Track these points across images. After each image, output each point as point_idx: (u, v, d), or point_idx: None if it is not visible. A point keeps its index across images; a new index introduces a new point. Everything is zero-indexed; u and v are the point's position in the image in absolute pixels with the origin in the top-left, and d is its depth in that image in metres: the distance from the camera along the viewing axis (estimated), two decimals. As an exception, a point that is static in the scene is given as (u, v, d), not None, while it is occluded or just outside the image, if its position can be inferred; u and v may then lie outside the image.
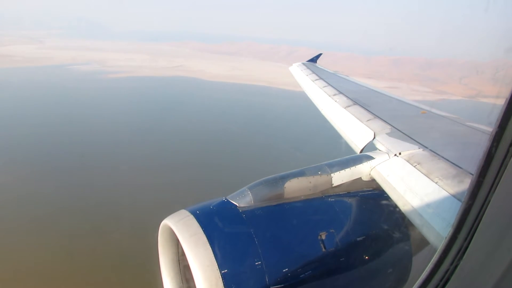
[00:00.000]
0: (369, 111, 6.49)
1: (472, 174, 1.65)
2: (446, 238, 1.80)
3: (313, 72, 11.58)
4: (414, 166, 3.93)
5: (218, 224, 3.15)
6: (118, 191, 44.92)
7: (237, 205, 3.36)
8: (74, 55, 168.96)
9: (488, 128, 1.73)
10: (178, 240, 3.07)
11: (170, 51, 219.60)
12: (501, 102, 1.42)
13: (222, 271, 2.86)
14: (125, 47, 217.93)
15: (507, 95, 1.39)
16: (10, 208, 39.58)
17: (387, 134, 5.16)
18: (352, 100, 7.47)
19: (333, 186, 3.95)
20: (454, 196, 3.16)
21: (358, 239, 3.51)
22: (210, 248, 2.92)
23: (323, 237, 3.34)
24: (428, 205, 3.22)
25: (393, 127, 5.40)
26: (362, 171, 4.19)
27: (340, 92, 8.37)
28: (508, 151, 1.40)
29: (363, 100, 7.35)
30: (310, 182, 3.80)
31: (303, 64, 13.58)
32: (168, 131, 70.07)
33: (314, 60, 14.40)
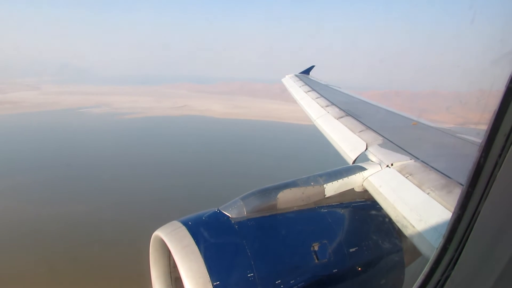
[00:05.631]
0: (361, 122, 6.55)
1: (463, 185, 1.67)
2: (437, 248, 1.80)
3: (306, 84, 11.69)
4: (406, 177, 3.96)
5: (211, 235, 3.11)
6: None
7: (230, 216, 3.33)
8: (79, 99, 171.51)
9: (478, 139, 1.76)
10: (169, 252, 3.03)
11: (168, 93, 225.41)
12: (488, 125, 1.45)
13: (214, 283, 2.81)
14: (122, 91, 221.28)
15: (495, 106, 1.42)
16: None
17: (379, 145, 5.20)
18: (344, 111, 7.54)
19: (326, 196, 3.95)
20: (445, 206, 3.18)
21: (351, 250, 3.50)
22: (202, 260, 2.88)
23: (316, 248, 3.33)
24: (420, 216, 3.23)
25: (385, 138, 5.45)
26: (355, 181, 4.20)
27: (333, 103, 8.45)
28: (497, 162, 1.42)
29: (355, 111, 7.42)
30: (303, 193, 3.79)
31: (296, 75, 13.71)
32: (210, 165, 73.98)
33: (307, 72, 14.56)
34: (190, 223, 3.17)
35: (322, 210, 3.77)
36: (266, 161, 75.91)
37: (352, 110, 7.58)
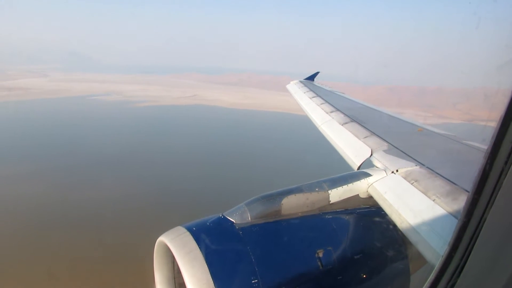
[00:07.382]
0: (366, 128, 6.53)
1: (469, 192, 1.66)
2: (443, 256, 1.79)
3: (311, 90, 11.70)
4: (411, 184, 3.93)
5: (215, 241, 3.11)
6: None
7: (234, 221, 3.33)
8: (88, 87, 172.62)
9: (483, 146, 1.75)
10: (174, 257, 3.03)
11: (176, 83, 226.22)
12: (495, 124, 1.44)
13: None
14: (130, 79, 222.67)
15: (501, 113, 1.41)
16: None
17: (384, 151, 5.18)
18: (349, 117, 7.53)
19: (330, 203, 3.93)
20: (451, 213, 3.15)
21: (355, 257, 3.48)
22: (206, 266, 2.88)
23: (321, 254, 3.31)
24: (425, 223, 3.21)
25: (390, 144, 5.43)
26: (360, 188, 4.18)
27: (337, 109, 8.44)
28: (503, 169, 1.41)
29: (359, 117, 7.40)
30: (307, 199, 3.78)
31: (301, 82, 13.73)
32: (227, 156, 73.78)
33: (311, 78, 14.57)
34: (194, 228, 3.17)
35: (326, 216, 3.75)
36: (281, 152, 76.25)
37: (356, 116, 7.56)
